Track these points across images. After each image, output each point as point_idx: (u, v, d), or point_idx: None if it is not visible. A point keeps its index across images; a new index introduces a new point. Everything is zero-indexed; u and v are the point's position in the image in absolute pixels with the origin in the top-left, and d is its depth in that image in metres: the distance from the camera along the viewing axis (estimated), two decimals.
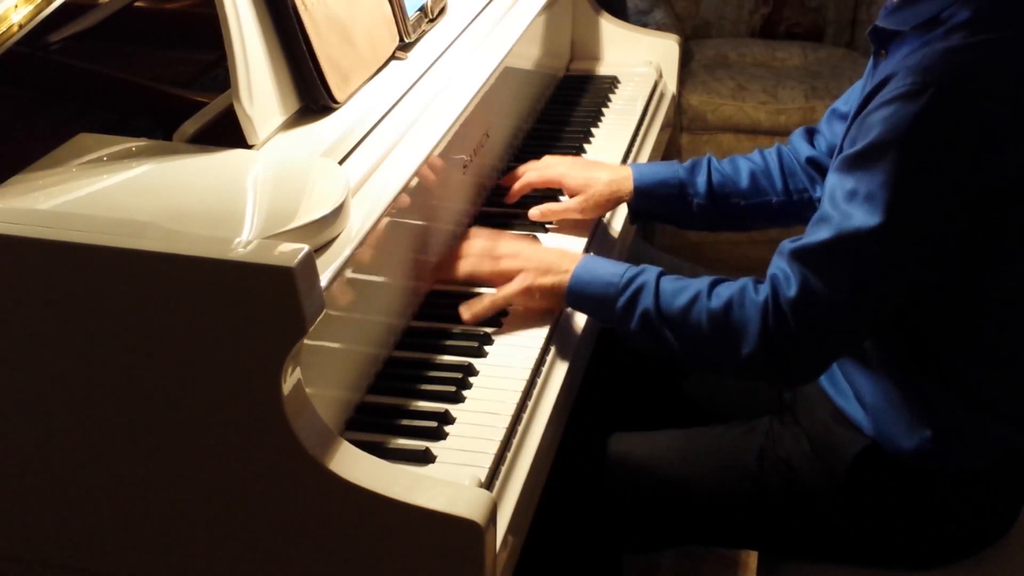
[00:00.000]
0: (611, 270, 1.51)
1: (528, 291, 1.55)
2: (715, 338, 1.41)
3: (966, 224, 1.34)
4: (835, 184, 1.36)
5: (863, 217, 1.31)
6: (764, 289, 1.39)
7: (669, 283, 1.46)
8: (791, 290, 1.36)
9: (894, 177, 1.29)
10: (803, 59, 3.52)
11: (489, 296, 1.57)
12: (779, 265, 1.39)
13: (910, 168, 1.29)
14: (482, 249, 1.62)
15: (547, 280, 1.54)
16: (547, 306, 1.57)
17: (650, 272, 1.49)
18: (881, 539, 1.53)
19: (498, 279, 1.58)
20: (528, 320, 1.57)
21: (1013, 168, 1.31)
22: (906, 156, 1.29)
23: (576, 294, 1.53)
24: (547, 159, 1.87)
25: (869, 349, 1.48)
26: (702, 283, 1.44)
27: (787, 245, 1.40)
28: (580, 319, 1.62)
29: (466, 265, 1.61)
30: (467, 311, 1.55)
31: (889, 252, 1.33)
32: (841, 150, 1.40)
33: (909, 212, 1.31)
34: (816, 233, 1.37)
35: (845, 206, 1.33)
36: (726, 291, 1.42)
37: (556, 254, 1.59)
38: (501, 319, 1.57)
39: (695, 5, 3.68)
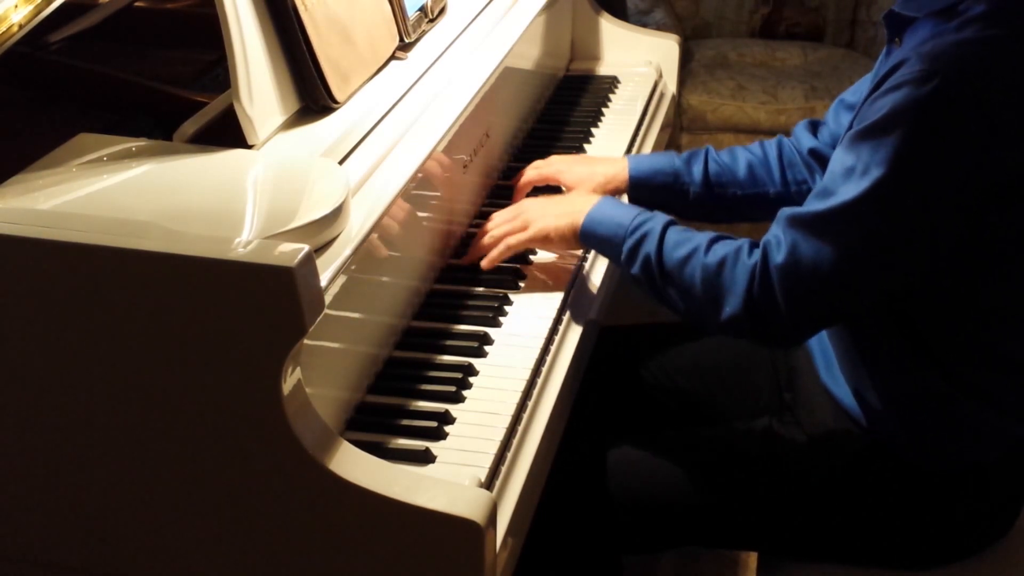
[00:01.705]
0: (624, 212, 1.56)
1: (544, 234, 1.61)
2: (704, 294, 1.44)
3: (964, 217, 1.34)
4: (837, 159, 1.38)
5: (857, 191, 1.33)
6: (756, 253, 1.42)
7: (674, 233, 1.50)
8: (780, 256, 1.38)
9: (892, 156, 1.31)
10: (803, 59, 3.52)
11: (505, 241, 1.63)
12: (774, 231, 1.42)
13: (908, 150, 1.31)
14: (505, 216, 1.67)
15: (562, 222, 1.60)
16: (565, 248, 1.65)
17: (659, 219, 1.52)
18: (881, 538, 1.53)
19: (517, 232, 1.64)
20: (528, 319, 1.57)
21: (1014, 165, 1.32)
22: (906, 138, 1.30)
23: (589, 234, 1.58)
24: (547, 159, 1.88)
25: (872, 344, 1.49)
26: (703, 238, 1.47)
27: (785, 211, 1.42)
28: (580, 318, 1.62)
29: (490, 232, 1.65)
30: (485, 259, 1.63)
31: (878, 228, 1.34)
32: (850, 128, 1.41)
33: (902, 192, 1.32)
34: (812, 203, 1.39)
35: (842, 179, 1.35)
36: (722, 249, 1.45)
37: (572, 198, 1.66)
38: (501, 318, 1.57)
39: (695, 5, 3.68)
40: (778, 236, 1.40)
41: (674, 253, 1.48)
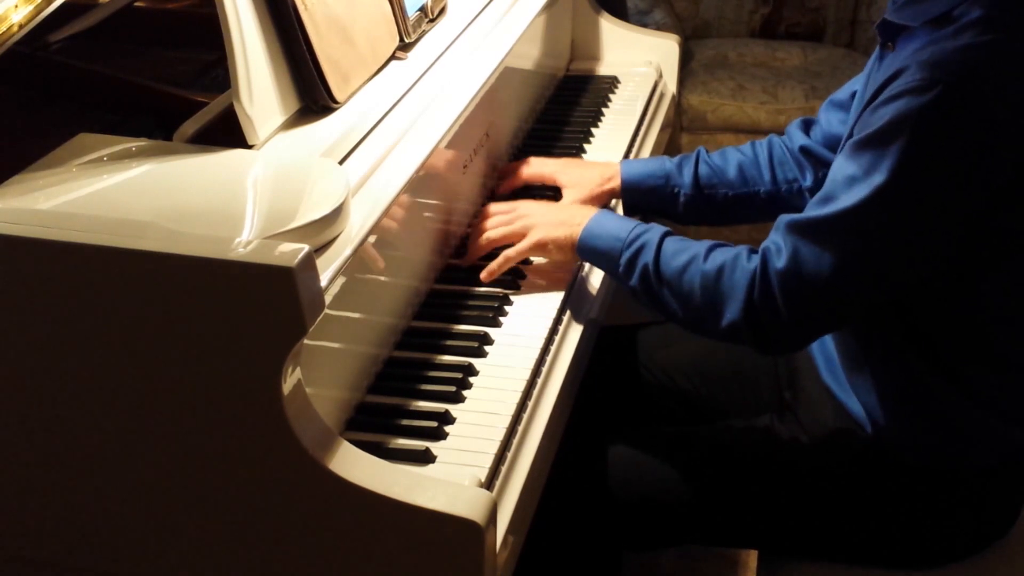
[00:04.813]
0: (621, 224, 1.56)
1: (541, 244, 1.61)
2: (703, 301, 1.44)
3: (968, 222, 1.34)
4: (839, 167, 1.38)
5: (859, 197, 1.33)
6: (755, 259, 1.42)
7: (672, 243, 1.50)
8: (780, 261, 1.38)
9: (895, 164, 1.31)
10: (803, 59, 3.52)
11: (504, 253, 1.62)
12: (773, 238, 1.41)
13: (911, 158, 1.30)
14: (498, 217, 1.66)
15: (560, 232, 1.60)
16: (561, 259, 1.64)
17: (656, 231, 1.52)
18: (882, 538, 1.53)
19: (514, 239, 1.63)
20: (528, 319, 1.57)
21: (1014, 169, 1.32)
22: (909, 146, 1.30)
23: (586, 247, 1.58)
24: (541, 159, 1.89)
25: (877, 346, 1.48)
26: (702, 246, 1.47)
27: (784, 218, 1.41)
28: (580, 318, 1.62)
29: (482, 233, 1.65)
30: (484, 272, 1.62)
31: (880, 235, 1.34)
32: (850, 137, 1.41)
33: (905, 200, 1.32)
34: (813, 209, 1.39)
35: (844, 186, 1.35)
36: (721, 256, 1.44)
37: (571, 209, 1.65)
38: (501, 318, 1.57)
39: (695, 5, 3.68)
40: (777, 242, 1.40)
41: (672, 262, 1.47)
